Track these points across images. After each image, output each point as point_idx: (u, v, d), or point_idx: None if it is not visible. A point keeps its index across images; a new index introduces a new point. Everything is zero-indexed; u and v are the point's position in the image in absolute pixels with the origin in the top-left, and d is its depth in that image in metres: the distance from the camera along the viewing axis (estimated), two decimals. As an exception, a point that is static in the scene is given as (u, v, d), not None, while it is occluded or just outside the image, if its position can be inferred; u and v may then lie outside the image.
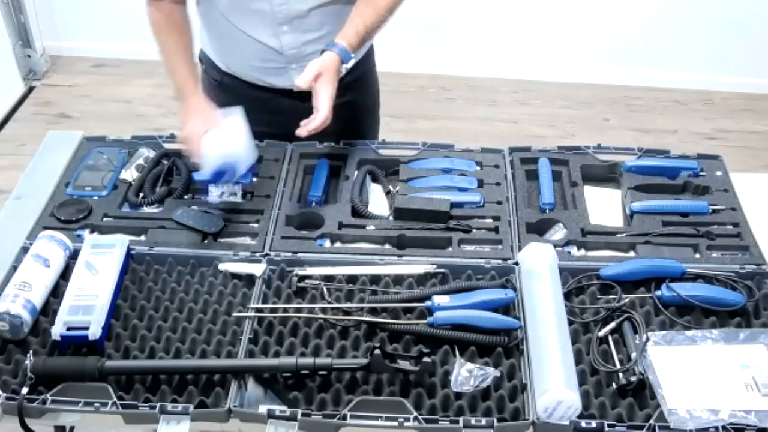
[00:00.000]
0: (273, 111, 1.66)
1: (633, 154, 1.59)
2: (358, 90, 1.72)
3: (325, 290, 1.31)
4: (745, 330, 1.24)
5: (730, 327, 1.26)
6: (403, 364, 1.15)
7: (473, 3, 3.37)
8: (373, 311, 1.27)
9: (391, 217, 1.47)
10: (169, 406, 1.12)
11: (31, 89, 3.50)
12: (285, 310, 1.27)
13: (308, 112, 1.50)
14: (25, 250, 1.35)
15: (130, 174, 1.55)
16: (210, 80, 1.72)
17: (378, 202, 1.53)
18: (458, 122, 3.35)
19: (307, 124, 1.42)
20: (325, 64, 1.44)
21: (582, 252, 1.40)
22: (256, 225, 1.44)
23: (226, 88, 1.68)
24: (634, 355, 1.19)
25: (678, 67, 3.53)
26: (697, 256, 1.38)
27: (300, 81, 1.42)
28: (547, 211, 1.47)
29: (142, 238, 1.42)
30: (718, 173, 1.55)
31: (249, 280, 1.34)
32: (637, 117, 3.41)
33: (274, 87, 1.64)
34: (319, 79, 1.42)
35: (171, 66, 1.52)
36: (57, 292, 1.31)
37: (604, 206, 1.52)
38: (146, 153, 1.60)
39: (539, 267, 1.30)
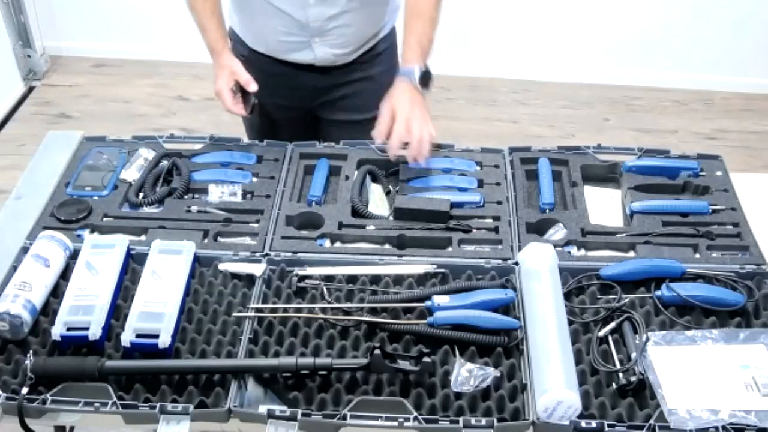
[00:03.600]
0: (296, 86, 1.72)
1: (633, 154, 1.59)
2: (380, 65, 1.77)
3: (325, 290, 1.31)
4: (745, 330, 1.24)
5: (730, 327, 1.26)
6: (403, 364, 1.15)
7: (473, 3, 3.36)
8: (373, 311, 1.27)
9: (391, 217, 1.47)
10: (169, 406, 1.12)
11: (31, 89, 3.50)
12: (285, 310, 1.27)
13: (329, 86, 1.70)
14: (25, 250, 1.35)
15: (130, 174, 1.55)
16: (237, 56, 1.77)
17: (378, 202, 1.53)
18: (458, 122, 3.35)
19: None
20: (394, 97, 1.47)
21: (582, 252, 1.40)
22: (256, 225, 1.44)
23: (251, 64, 1.72)
24: (634, 355, 1.19)
25: (678, 67, 3.53)
26: (697, 256, 1.38)
27: (378, 137, 1.46)
28: (547, 211, 1.47)
29: (142, 238, 1.42)
30: (718, 173, 1.55)
31: (249, 280, 1.34)
32: (637, 117, 3.41)
33: (297, 62, 1.68)
34: (394, 110, 1.45)
35: (203, 26, 1.62)
36: (57, 292, 1.30)
37: (604, 206, 1.52)
38: (146, 153, 1.60)
39: (539, 267, 1.30)
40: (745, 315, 1.28)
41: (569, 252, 1.39)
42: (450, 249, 1.40)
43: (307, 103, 1.79)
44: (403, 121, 1.42)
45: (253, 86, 1.58)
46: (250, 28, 1.70)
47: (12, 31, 3.37)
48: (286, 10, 1.58)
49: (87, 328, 1.20)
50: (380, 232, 1.42)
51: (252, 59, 1.73)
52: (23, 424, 1.12)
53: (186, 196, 1.51)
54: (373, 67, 1.75)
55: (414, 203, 1.45)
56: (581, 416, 1.11)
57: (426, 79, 1.48)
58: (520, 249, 1.37)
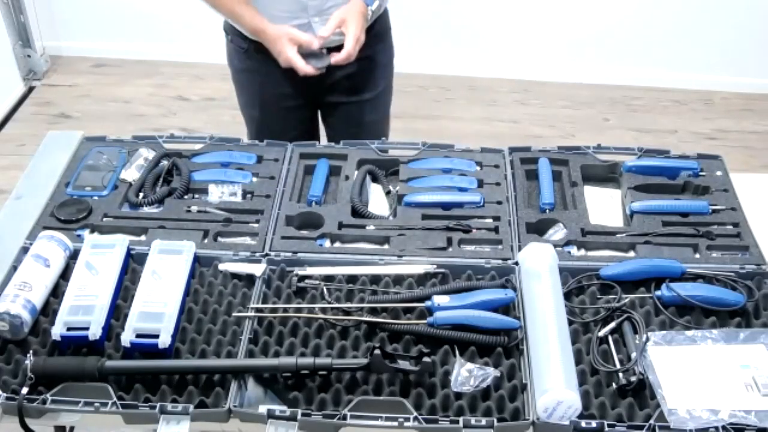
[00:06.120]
0: (296, 77, 1.71)
1: (633, 154, 1.59)
2: (377, 45, 1.82)
3: (325, 290, 1.31)
4: (745, 330, 1.24)
5: (730, 327, 1.26)
6: (403, 364, 1.15)
7: (473, 3, 3.37)
8: (373, 311, 1.27)
9: (391, 217, 1.47)
10: (169, 406, 1.12)
11: (31, 89, 3.50)
12: (285, 310, 1.27)
13: (329, 76, 1.71)
14: (25, 250, 1.35)
15: (130, 174, 1.55)
16: (236, 48, 1.81)
17: (378, 202, 1.53)
18: (458, 122, 3.35)
19: (336, 57, 1.61)
20: (348, 10, 1.61)
21: (582, 252, 1.40)
22: (256, 225, 1.44)
23: (251, 55, 1.76)
24: (634, 355, 1.19)
25: (678, 67, 3.53)
26: (697, 256, 1.38)
27: (324, 30, 1.59)
28: (547, 211, 1.47)
29: (142, 238, 1.42)
30: (718, 173, 1.55)
31: (249, 280, 1.34)
32: (637, 117, 3.41)
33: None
34: (344, 24, 1.59)
35: (235, 14, 1.67)
36: (57, 292, 1.31)
37: (604, 206, 1.52)
38: (146, 153, 1.60)
39: (539, 267, 1.30)
40: (745, 315, 1.28)
41: (569, 252, 1.39)
42: (450, 249, 1.40)
43: (309, 89, 1.82)
44: (357, 32, 1.60)
45: (315, 43, 1.61)
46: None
47: (12, 31, 3.37)
48: None
49: (87, 328, 1.20)
50: (380, 232, 1.42)
51: (252, 51, 1.74)
52: (23, 424, 1.12)
53: (186, 196, 1.51)
54: (370, 48, 1.75)
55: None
56: (581, 416, 1.11)
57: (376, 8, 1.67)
58: (520, 249, 1.37)
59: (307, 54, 1.62)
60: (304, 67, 1.61)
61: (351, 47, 1.59)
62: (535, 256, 1.32)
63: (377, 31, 1.80)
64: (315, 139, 2.03)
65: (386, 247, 1.41)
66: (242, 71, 1.85)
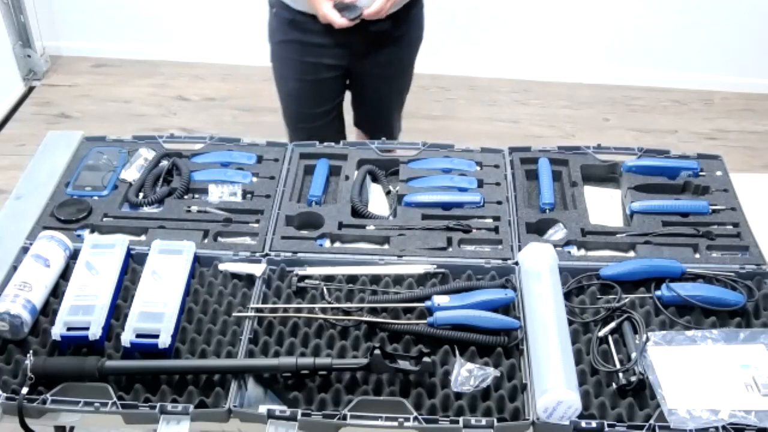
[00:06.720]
0: (340, 45, 1.86)
1: (633, 154, 1.59)
2: (412, 23, 1.95)
3: (325, 290, 1.31)
4: (745, 330, 1.24)
5: (730, 327, 1.26)
6: (403, 364, 1.15)
7: (473, 3, 3.37)
8: (373, 311, 1.27)
9: (391, 217, 1.47)
10: (169, 406, 1.12)
11: (31, 89, 3.50)
12: (285, 310, 1.27)
13: (371, 46, 1.86)
14: (25, 250, 1.36)
15: (130, 174, 1.55)
16: (281, 20, 1.89)
17: (378, 202, 1.53)
18: (458, 122, 3.35)
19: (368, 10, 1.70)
20: None
21: (582, 252, 1.40)
22: (256, 225, 1.44)
23: (297, 25, 1.85)
24: (634, 355, 1.19)
25: (678, 67, 3.53)
26: (697, 256, 1.38)
27: None
28: (547, 211, 1.47)
29: (142, 238, 1.42)
30: (718, 173, 1.55)
31: (249, 280, 1.34)
32: (637, 117, 3.41)
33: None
34: None
35: None
36: (57, 292, 1.31)
37: (604, 206, 1.52)
38: (146, 153, 1.60)
39: (539, 267, 1.30)
40: (745, 315, 1.28)
41: (569, 252, 1.39)
42: (450, 249, 1.40)
43: (348, 62, 1.93)
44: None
45: None
46: None
47: (12, 31, 3.37)
48: None
49: (87, 328, 1.20)
50: (380, 232, 1.42)
51: (298, 20, 1.83)
52: (23, 424, 1.12)
53: (186, 196, 1.51)
54: (406, 24, 1.88)
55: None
56: (581, 416, 1.11)
57: None
58: (520, 249, 1.37)
59: (342, 8, 1.71)
60: (339, 20, 1.71)
61: (383, 2, 1.69)
62: (535, 256, 1.32)
63: (414, 10, 1.91)
64: (341, 116, 2.14)
65: (386, 247, 1.41)
66: (283, 42, 1.93)
